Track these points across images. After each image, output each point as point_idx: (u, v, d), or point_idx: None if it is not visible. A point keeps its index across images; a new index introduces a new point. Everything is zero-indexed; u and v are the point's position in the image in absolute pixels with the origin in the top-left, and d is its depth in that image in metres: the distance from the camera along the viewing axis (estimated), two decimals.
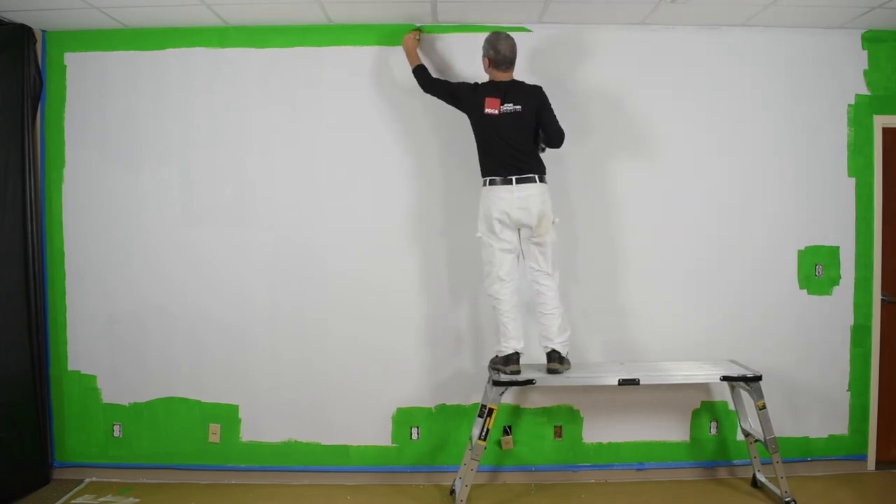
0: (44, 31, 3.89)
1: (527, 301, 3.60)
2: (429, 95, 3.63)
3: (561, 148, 3.53)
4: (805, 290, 3.95)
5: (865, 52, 3.91)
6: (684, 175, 3.91)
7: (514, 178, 3.37)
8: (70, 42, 3.89)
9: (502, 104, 3.38)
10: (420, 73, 3.62)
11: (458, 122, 3.81)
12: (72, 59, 3.90)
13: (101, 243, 3.94)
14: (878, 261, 3.96)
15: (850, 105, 3.92)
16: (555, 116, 3.48)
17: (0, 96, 3.65)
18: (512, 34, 3.48)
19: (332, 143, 3.91)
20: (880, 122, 3.93)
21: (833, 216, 3.94)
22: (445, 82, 3.61)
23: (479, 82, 3.52)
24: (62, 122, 3.91)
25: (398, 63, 3.86)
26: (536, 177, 3.40)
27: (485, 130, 3.44)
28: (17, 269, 3.73)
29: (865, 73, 3.91)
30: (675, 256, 3.92)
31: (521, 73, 3.62)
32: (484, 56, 3.48)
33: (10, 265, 3.69)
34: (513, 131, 3.38)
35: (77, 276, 3.95)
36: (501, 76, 3.46)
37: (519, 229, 3.46)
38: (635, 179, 3.91)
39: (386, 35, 3.86)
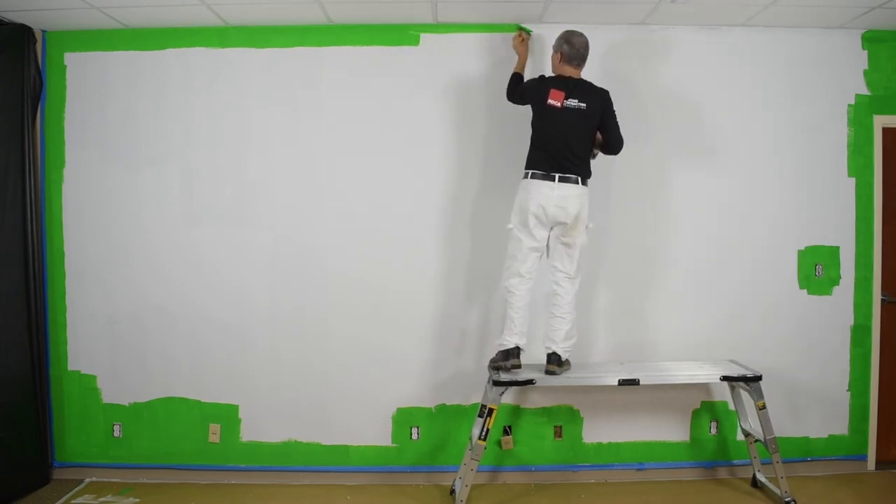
0: (44, 31, 3.89)
1: (537, 302, 3.59)
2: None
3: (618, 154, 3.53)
4: (805, 290, 3.95)
5: (865, 52, 3.91)
6: (684, 176, 3.91)
7: (556, 175, 3.34)
8: (70, 42, 3.89)
9: (566, 99, 3.35)
10: (513, 81, 3.60)
11: (462, 122, 3.82)
12: (72, 59, 3.90)
13: (101, 243, 3.94)
14: (878, 261, 3.96)
15: (850, 105, 3.92)
16: (617, 122, 3.46)
17: (0, 96, 3.65)
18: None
19: (332, 142, 3.90)
20: (880, 122, 3.93)
21: (833, 216, 3.94)
22: (517, 88, 3.58)
23: (546, 75, 3.49)
24: (62, 122, 3.91)
25: (398, 63, 3.87)
26: (579, 179, 3.38)
27: (543, 122, 3.40)
28: (17, 269, 3.73)
29: (865, 73, 3.91)
30: (674, 256, 3.92)
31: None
32: (555, 52, 3.46)
33: (10, 265, 3.69)
34: (571, 128, 3.36)
35: (77, 276, 3.95)
36: (571, 72, 3.43)
37: (552, 228, 3.45)
38: (634, 179, 3.90)
39: (386, 35, 3.86)
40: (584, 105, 3.36)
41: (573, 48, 3.41)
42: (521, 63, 3.66)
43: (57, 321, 3.95)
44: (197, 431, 3.96)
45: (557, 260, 3.49)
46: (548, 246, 3.49)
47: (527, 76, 3.64)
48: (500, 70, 3.78)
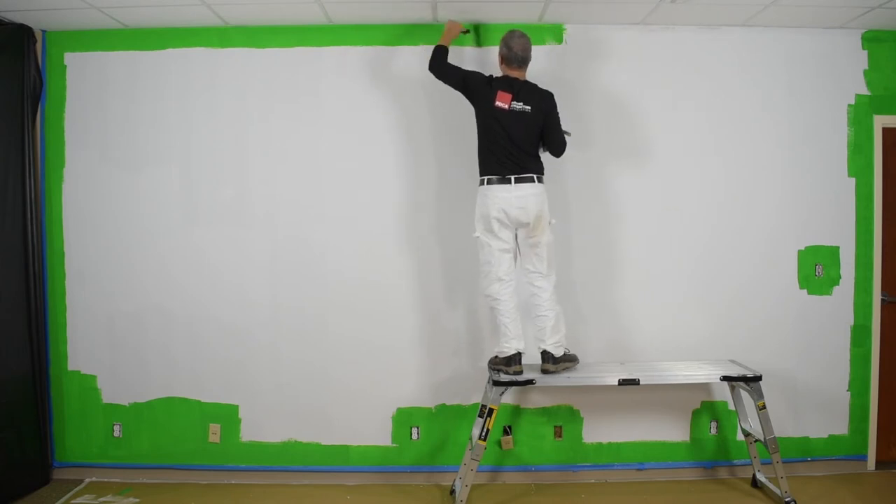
0: (44, 31, 3.89)
1: (524, 301, 3.59)
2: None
3: (560, 158, 3.54)
4: (805, 290, 3.95)
5: (865, 52, 3.91)
6: (684, 175, 3.91)
7: (512, 177, 3.36)
8: (70, 42, 3.89)
9: (513, 101, 3.37)
10: (438, 52, 3.53)
11: (461, 122, 3.82)
12: (72, 59, 3.90)
13: (101, 243, 3.94)
14: (878, 261, 3.96)
15: (850, 105, 3.92)
16: (560, 125, 3.47)
17: (0, 96, 3.65)
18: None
19: (332, 142, 3.91)
20: (880, 122, 3.93)
21: (833, 216, 3.94)
22: (458, 68, 3.54)
23: (494, 76, 3.49)
24: (62, 122, 3.91)
25: (399, 63, 3.87)
26: (535, 177, 3.40)
27: (490, 125, 3.41)
28: (17, 269, 3.73)
29: (865, 73, 3.91)
30: (675, 257, 3.92)
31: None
32: (499, 53, 3.48)
33: (10, 265, 3.69)
34: (518, 130, 3.37)
35: (77, 276, 3.95)
36: (514, 74, 3.44)
37: (516, 230, 3.46)
38: (635, 180, 3.91)
39: (386, 35, 3.86)
40: (528, 108, 3.37)
41: (511, 51, 3.41)
42: (449, 39, 3.60)
43: (57, 321, 3.95)
44: (197, 431, 3.96)
45: (528, 262, 3.50)
46: (518, 250, 3.51)
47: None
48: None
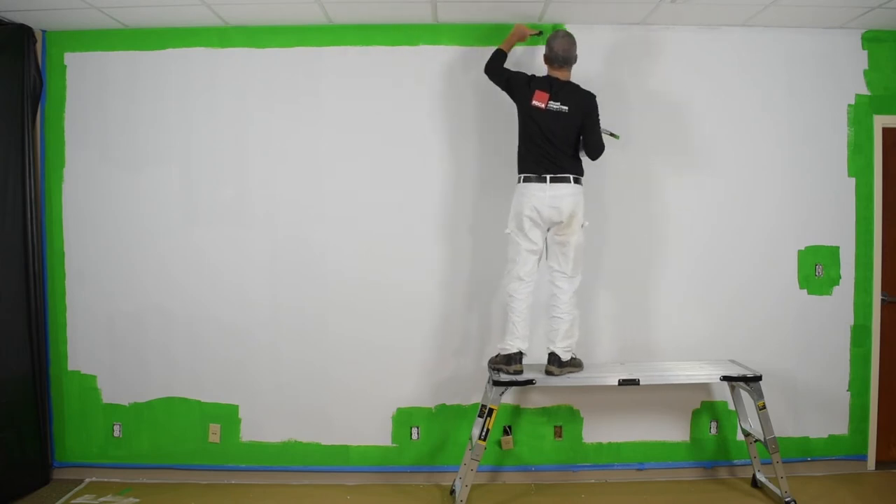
0: (44, 31, 3.89)
1: (539, 303, 3.59)
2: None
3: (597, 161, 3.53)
4: (805, 290, 3.95)
5: (865, 52, 3.91)
6: (684, 175, 3.91)
7: (548, 176, 3.37)
8: (70, 42, 3.89)
9: (550, 101, 3.38)
10: (495, 55, 3.57)
11: (462, 122, 3.82)
12: (72, 59, 3.90)
13: (101, 243, 3.94)
14: (878, 261, 3.96)
15: (850, 105, 3.92)
16: (599, 128, 3.47)
17: (0, 96, 3.65)
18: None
19: (332, 142, 3.90)
20: (880, 122, 3.93)
21: (833, 216, 3.94)
22: (506, 69, 3.56)
23: (536, 75, 3.52)
24: (62, 122, 3.91)
25: (398, 63, 3.87)
26: (571, 177, 3.40)
27: (528, 123, 3.42)
28: (17, 269, 3.73)
29: (865, 73, 3.91)
30: (674, 257, 3.92)
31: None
32: (544, 52, 3.52)
33: (10, 265, 3.69)
34: (555, 130, 3.38)
35: (77, 276, 3.95)
36: (557, 74, 3.46)
37: (548, 229, 3.45)
38: (635, 180, 3.90)
39: (386, 35, 3.86)
40: (566, 108, 3.38)
41: (552, 51, 3.44)
42: (510, 43, 3.63)
43: (57, 321, 3.95)
44: (197, 431, 3.96)
45: (553, 259, 3.50)
46: (546, 248, 3.51)
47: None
48: None
